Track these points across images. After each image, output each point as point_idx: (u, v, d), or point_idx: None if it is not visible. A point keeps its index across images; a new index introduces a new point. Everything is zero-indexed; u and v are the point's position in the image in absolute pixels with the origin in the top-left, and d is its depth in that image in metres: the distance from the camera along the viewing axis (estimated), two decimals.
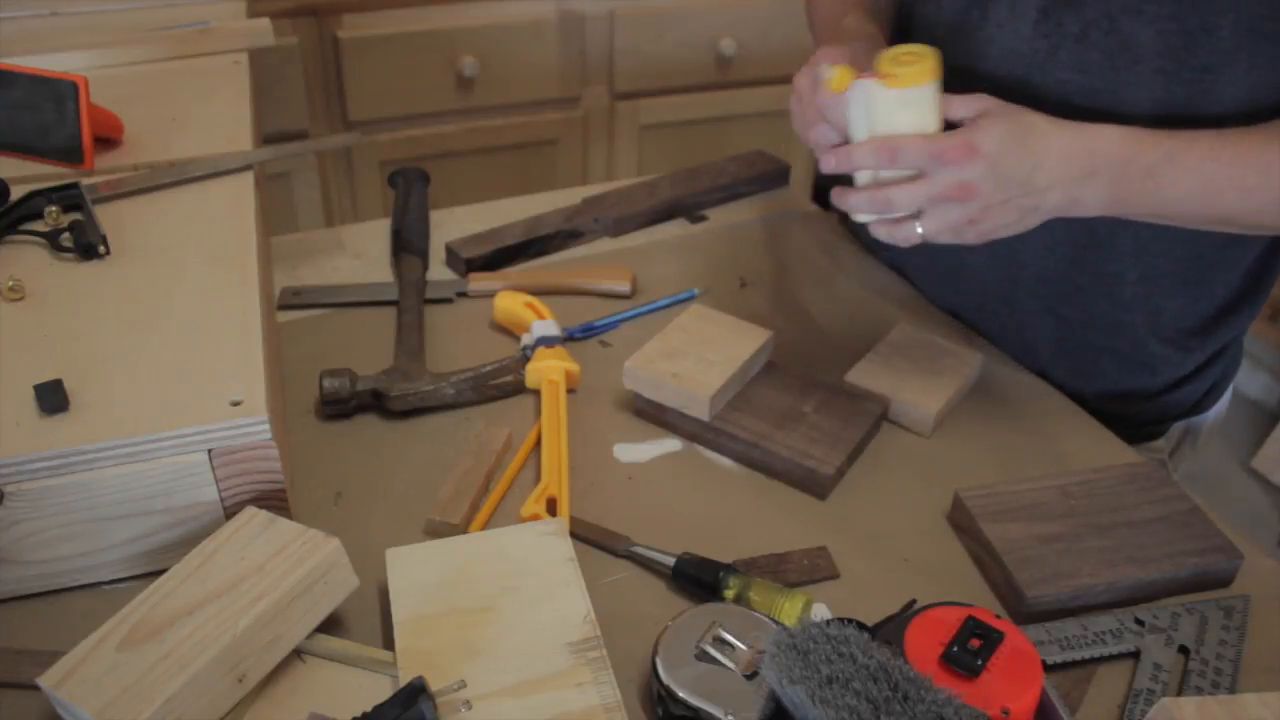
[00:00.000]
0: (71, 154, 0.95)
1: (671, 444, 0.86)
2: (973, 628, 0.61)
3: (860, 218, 0.76)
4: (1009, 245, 0.80)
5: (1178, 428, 1.00)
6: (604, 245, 1.13)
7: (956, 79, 0.77)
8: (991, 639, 0.60)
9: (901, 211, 0.73)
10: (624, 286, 1.03)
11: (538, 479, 0.81)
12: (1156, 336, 0.92)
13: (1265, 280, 0.91)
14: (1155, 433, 0.99)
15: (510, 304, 0.97)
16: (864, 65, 0.74)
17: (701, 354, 0.86)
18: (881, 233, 0.75)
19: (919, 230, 0.73)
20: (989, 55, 0.84)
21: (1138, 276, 0.88)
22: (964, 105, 0.72)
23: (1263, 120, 0.76)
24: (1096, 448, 0.87)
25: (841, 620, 0.61)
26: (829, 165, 0.74)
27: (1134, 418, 0.95)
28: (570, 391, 0.90)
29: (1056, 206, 0.73)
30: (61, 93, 0.93)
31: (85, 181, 0.90)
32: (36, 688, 0.59)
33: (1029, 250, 0.90)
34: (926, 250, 0.82)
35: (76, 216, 0.86)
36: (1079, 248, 0.88)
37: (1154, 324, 0.91)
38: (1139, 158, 0.72)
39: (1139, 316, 0.91)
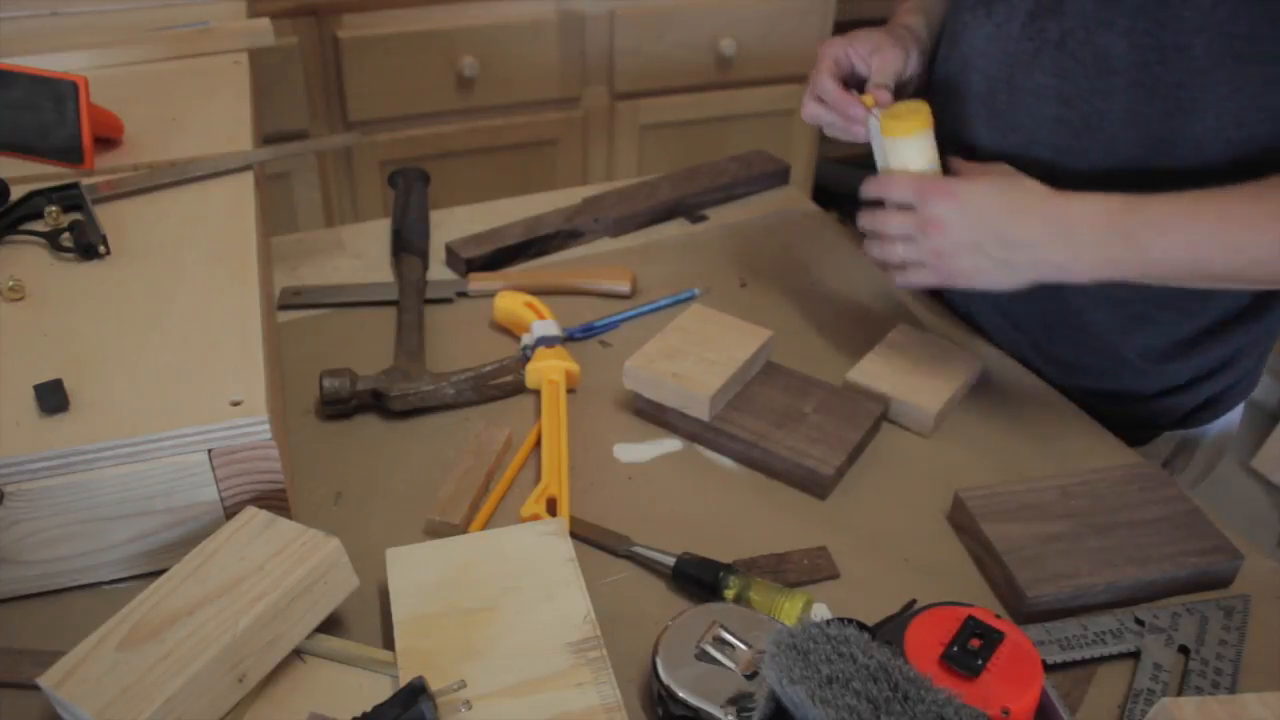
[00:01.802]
0: (71, 154, 0.95)
1: (671, 444, 0.86)
2: (973, 628, 0.61)
3: (867, 245, 0.86)
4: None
5: (1171, 438, 0.99)
6: (604, 245, 1.13)
7: (957, 69, 0.89)
8: (992, 639, 0.60)
9: (890, 233, 0.82)
10: (624, 286, 1.03)
11: (538, 479, 0.81)
12: (1135, 350, 0.92)
13: (1275, 299, 0.89)
14: (1144, 438, 0.98)
15: (510, 304, 0.97)
16: (863, 55, 0.88)
17: (701, 354, 0.86)
18: (874, 251, 0.84)
19: (899, 250, 0.82)
20: (986, 51, 0.87)
21: (1105, 307, 0.90)
22: (983, 166, 0.83)
23: (1255, 150, 0.76)
24: (1096, 448, 0.87)
25: (841, 620, 0.61)
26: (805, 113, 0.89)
27: (1120, 419, 0.93)
28: (570, 391, 0.90)
29: (1034, 265, 0.77)
30: (61, 93, 0.93)
31: (85, 181, 0.90)
32: (36, 688, 0.59)
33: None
34: None
35: (76, 216, 0.86)
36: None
37: (1131, 341, 0.91)
38: (1118, 222, 0.74)
39: (1124, 320, 0.91)
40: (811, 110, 0.89)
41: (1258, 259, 0.72)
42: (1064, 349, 0.95)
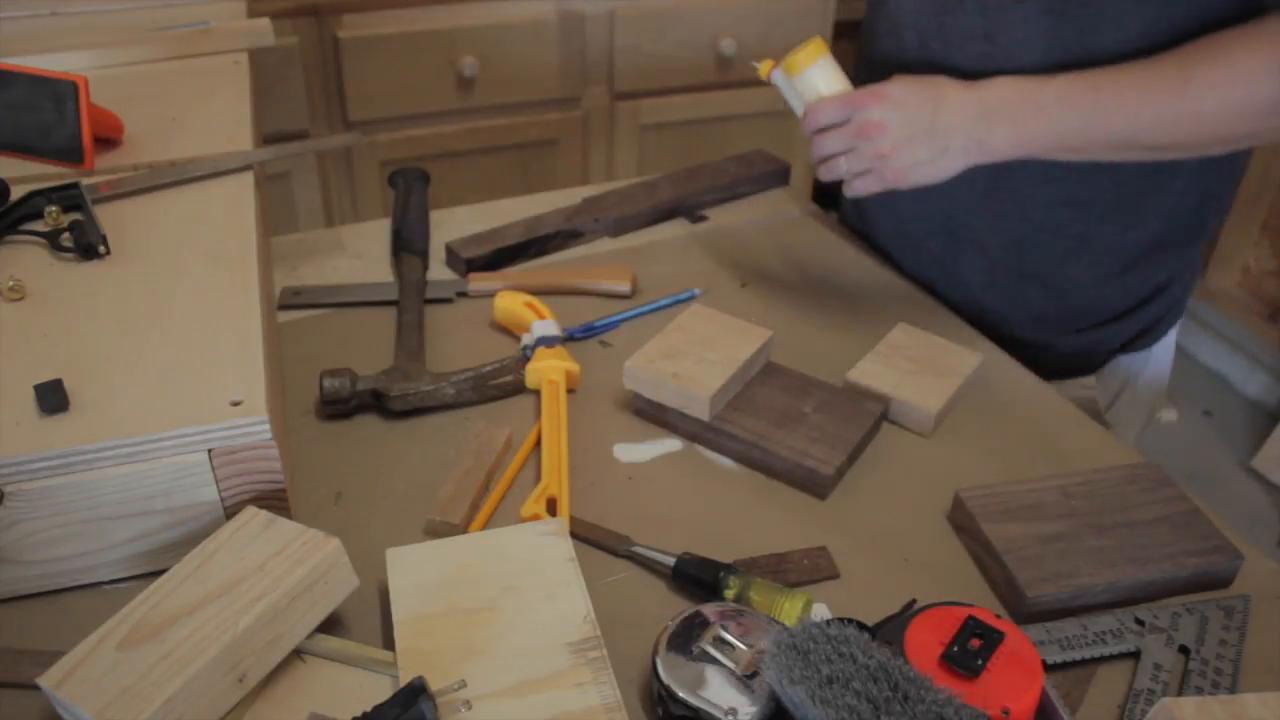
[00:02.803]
0: (71, 154, 0.95)
1: (671, 444, 0.86)
2: (973, 628, 0.61)
3: (817, 171, 0.89)
4: (935, 188, 0.89)
5: (1116, 371, 1.06)
6: (604, 245, 1.13)
7: (887, 33, 0.96)
8: (992, 639, 0.60)
9: (830, 152, 0.87)
10: (624, 286, 1.03)
11: (538, 479, 0.81)
12: (1083, 264, 0.97)
13: (1203, 213, 0.97)
14: (1088, 366, 1.05)
15: (510, 304, 0.97)
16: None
17: (701, 354, 0.86)
18: (822, 172, 0.89)
19: (843, 165, 0.86)
20: (916, 7, 0.93)
21: (1064, 200, 0.94)
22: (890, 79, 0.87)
23: None
24: (1096, 448, 0.87)
25: (841, 620, 0.61)
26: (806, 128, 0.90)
27: (1062, 349, 1.02)
28: (570, 391, 0.90)
29: (965, 148, 0.84)
30: (61, 93, 0.93)
31: (85, 181, 0.90)
32: (36, 688, 0.59)
33: (950, 187, 0.92)
34: (877, 207, 1.05)
35: (76, 216, 0.86)
36: (993, 178, 0.93)
37: (1081, 251, 0.97)
38: (1029, 97, 0.83)
39: (1064, 243, 0.96)
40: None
41: (1153, 122, 0.81)
42: (1005, 283, 1.01)
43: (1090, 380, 1.05)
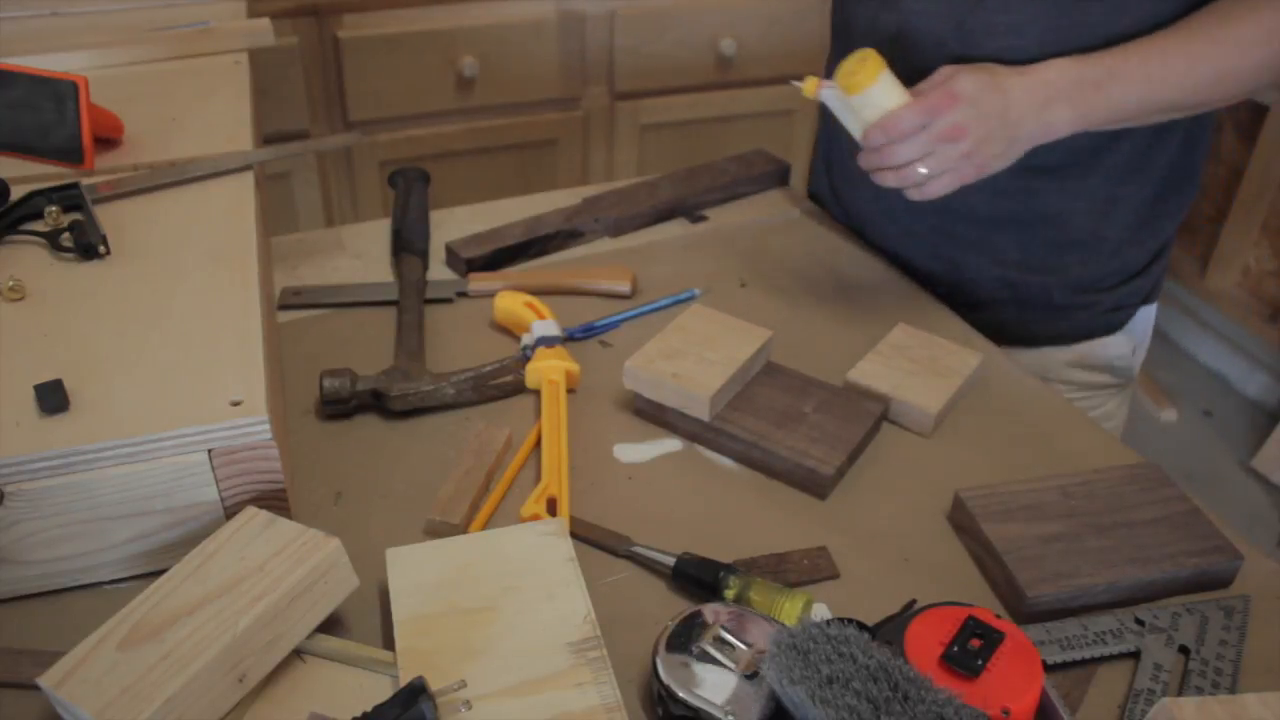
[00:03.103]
0: (71, 154, 0.95)
1: (671, 444, 0.86)
2: (973, 628, 0.61)
3: (878, 178, 0.88)
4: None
5: (1133, 329, 1.11)
6: (604, 245, 1.13)
7: (892, 33, 0.96)
8: (992, 639, 0.60)
9: (905, 160, 0.85)
10: (624, 286, 1.03)
11: (538, 479, 0.81)
12: (1114, 225, 1.02)
13: (1196, 163, 1.03)
14: (1117, 323, 1.10)
15: (510, 304, 0.97)
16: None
17: (701, 354, 0.86)
18: (889, 180, 0.86)
19: (921, 170, 0.85)
20: (928, 10, 0.94)
21: (1082, 171, 0.98)
22: (933, 79, 0.86)
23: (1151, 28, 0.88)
24: (1096, 448, 0.87)
25: (841, 620, 0.61)
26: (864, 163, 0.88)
27: (1106, 305, 1.08)
28: (570, 391, 0.90)
29: (1031, 135, 0.86)
30: (61, 93, 0.93)
31: (85, 181, 0.90)
32: (36, 688, 0.59)
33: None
34: (880, 204, 1.06)
35: (76, 216, 0.86)
36: (1008, 174, 0.95)
37: (1110, 213, 1.01)
38: (1086, 77, 0.85)
39: (1097, 207, 1.01)
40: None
41: (1197, 85, 0.86)
42: (1053, 258, 1.04)
43: (1117, 339, 1.10)
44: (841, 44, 1.05)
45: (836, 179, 1.17)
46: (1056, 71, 0.85)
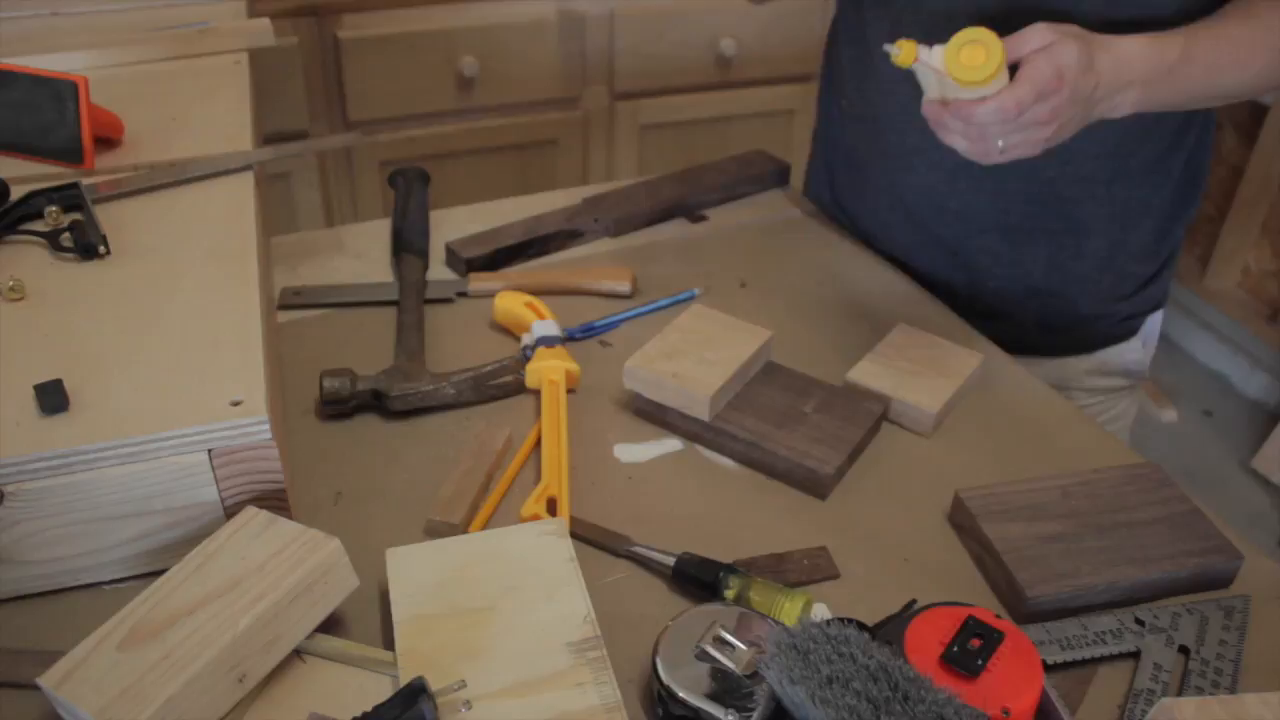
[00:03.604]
0: (71, 154, 0.95)
1: (671, 444, 0.86)
2: (973, 628, 0.61)
3: (946, 138, 0.81)
4: (993, 187, 0.92)
5: (1147, 333, 1.11)
6: (604, 245, 1.13)
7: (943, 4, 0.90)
8: (992, 639, 0.60)
9: (994, 136, 0.79)
10: (624, 286, 1.03)
11: (538, 479, 0.81)
12: (1134, 231, 1.02)
13: (1204, 163, 1.03)
14: (1133, 330, 1.10)
15: (510, 304, 0.97)
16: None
17: (701, 354, 0.86)
18: (961, 145, 0.80)
19: (999, 144, 0.79)
20: None
21: (1109, 176, 0.97)
22: (1029, 42, 0.78)
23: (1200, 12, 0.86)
24: (1096, 448, 0.87)
25: (841, 620, 0.61)
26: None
27: (1123, 313, 1.08)
28: (570, 391, 0.90)
29: (1099, 115, 0.83)
30: (61, 93, 0.93)
31: (85, 181, 0.90)
32: (36, 688, 0.59)
33: (1008, 183, 0.94)
34: (897, 213, 1.05)
35: (76, 216, 0.86)
36: (1039, 182, 0.96)
37: (1130, 219, 1.01)
38: (1160, 60, 0.82)
39: (1120, 214, 1.00)
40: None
41: (1256, 73, 0.85)
42: (1077, 268, 1.04)
43: (1133, 344, 1.10)
44: (876, 12, 0.99)
45: (840, 188, 1.16)
46: (1130, 52, 0.81)
